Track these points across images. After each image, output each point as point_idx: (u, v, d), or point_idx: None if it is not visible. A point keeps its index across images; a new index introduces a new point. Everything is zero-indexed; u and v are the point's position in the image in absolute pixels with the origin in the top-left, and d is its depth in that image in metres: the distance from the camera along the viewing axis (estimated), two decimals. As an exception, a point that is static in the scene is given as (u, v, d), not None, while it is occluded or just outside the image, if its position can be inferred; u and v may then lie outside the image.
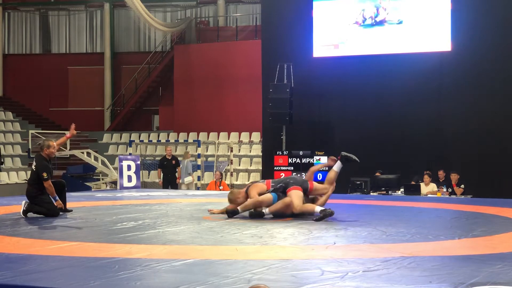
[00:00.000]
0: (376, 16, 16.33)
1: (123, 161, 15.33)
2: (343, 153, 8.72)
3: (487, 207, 10.16)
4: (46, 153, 8.95)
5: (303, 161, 15.34)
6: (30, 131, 24.53)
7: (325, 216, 8.08)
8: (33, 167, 8.89)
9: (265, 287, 3.41)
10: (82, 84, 29.54)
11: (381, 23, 16.43)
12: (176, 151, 24.32)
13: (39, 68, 29.68)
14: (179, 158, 23.28)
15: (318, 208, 8.26)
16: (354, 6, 16.74)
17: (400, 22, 16.25)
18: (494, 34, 15.56)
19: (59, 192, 9.01)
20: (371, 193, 13.97)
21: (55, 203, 8.83)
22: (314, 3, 17.03)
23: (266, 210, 8.45)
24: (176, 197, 12.81)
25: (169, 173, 17.55)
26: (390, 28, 16.37)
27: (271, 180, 8.91)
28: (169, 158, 17.68)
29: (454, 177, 14.10)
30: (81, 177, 24.08)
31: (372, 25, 16.50)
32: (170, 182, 17.51)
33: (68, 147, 24.38)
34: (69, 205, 9.38)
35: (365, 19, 16.44)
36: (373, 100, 16.42)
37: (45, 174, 8.70)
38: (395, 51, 16.27)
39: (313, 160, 15.24)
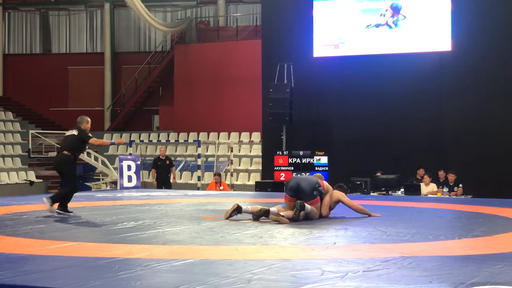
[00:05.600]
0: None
1: (123, 161, 15.34)
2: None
3: (487, 207, 10.16)
4: (85, 127, 9.70)
5: (303, 161, 15.35)
6: (30, 131, 24.54)
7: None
8: (74, 133, 9.52)
9: None
10: (82, 84, 29.55)
11: (383, 24, 16.44)
12: (176, 151, 24.34)
13: (39, 68, 29.69)
14: (178, 158, 23.32)
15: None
16: (354, 6, 16.74)
17: (398, 21, 16.26)
18: (494, 34, 15.55)
19: (69, 194, 9.31)
20: (371, 193, 13.97)
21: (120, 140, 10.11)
22: (314, 3, 17.02)
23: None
24: (176, 197, 12.81)
25: (162, 173, 17.53)
26: (390, 28, 16.36)
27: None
28: (163, 158, 17.67)
29: (441, 174, 14.30)
30: (81, 177, 24.07)
31: (376, 25, 16.50)
32: (164, 182, 17.49)
33: (68, 147, 24.34)
34: (69, 205, 9.38)
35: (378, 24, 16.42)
36: (373, 100, 16.41)
37: (90, 134, 9.55)
38: (395, 51, 16.27)
39: (313, 160, 15.24)
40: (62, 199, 9.26)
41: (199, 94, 25.61)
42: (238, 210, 8.44)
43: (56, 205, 9.16)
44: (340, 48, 16.77)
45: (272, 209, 8.29)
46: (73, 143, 9.46)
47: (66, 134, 9.72)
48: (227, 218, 8.39)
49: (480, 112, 15.60)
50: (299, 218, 8.05)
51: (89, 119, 9.86)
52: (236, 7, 28.41)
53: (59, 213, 9.08)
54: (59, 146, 9.79)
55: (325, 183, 8.61)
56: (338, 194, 8.69)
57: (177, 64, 26.69)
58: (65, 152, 9.38)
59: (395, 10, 16.28)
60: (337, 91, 16.83)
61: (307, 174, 8.75)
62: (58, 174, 9.75)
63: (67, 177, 9.47)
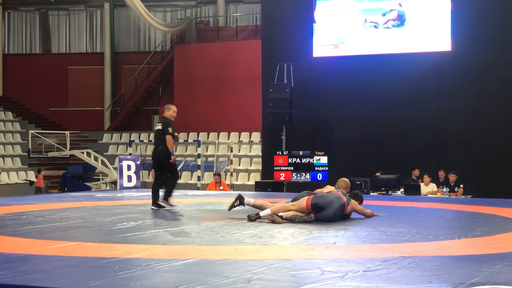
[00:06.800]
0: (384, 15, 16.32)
1: (123, 161, 15.34)
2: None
3: (487, 207, 10.16)
4: (168, 115, 10.05)
5: (303, 161, 15.35)
6: (30, 131, 24.56)
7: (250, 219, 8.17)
8: (159, 127, 9.94)
9: None
10: (82, 84, 29.56)
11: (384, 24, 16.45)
12: (176, 151, 24.32)
13: (39, 68, 29.70)
14: (178, 158, 23.29)
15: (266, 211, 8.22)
16: (354, 6, 16.74)
17: (403, 23, 16.26)
18: (494, 34, 15.56)
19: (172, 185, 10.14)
20: (371, 193, 13.96)
21: (171, 158, 9.84)
22: (314, 3, 17.03)
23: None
24: (176, 197, 12.80)
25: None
26: (390, 28, 16.36)
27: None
28: None
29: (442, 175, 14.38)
30: (81, 177, 24.08)
31: (375, 26, 16.50)
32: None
33: (68, 147, 24.40)
34: (69, 205, 9.38)
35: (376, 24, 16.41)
36: (373, 100, 16.42)
37: (170, 129, 9.84)
38: (395, 51, 16.27)
39: (313, 160, 15.25)
40: (169, 193, 10.04)
41: (199, 94, 25.61)
42: (240, 200, 8.46)
43: (171, 200, 10.05)
44: (340, 48, 16.77)
45: (264, 212, 8.23)
46: (162, 137, 9.91)
47: (155, 129, 10.17)
48: (229, 210, 8.43)
49: (480, 112, 15.61)
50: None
51: (171, 106, 10.15)
52: (236, 7, 28.42)
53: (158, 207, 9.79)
54: (154, 141, 10.40)
55: (349, 206, 8.38)
56: (353, 203, 8.58)
57: (177, 64, 26.70)
58: (160, 146, 9.93)
59: (400, 18, 16.27)
60: (337, 91, 16.83)
61: (338, 195, 8.44)
62: (157, 167, 10.30)
63: (166, 169, 10.06)
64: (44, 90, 29.54)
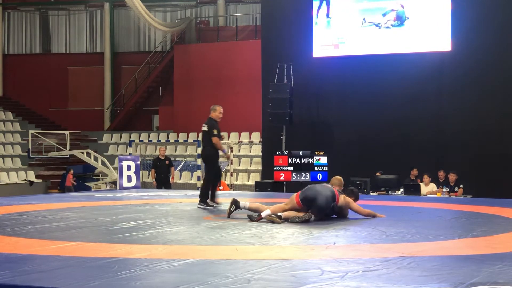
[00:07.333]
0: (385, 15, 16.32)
1: (123, 161, 15.34)
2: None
3: (487, 207, 10.15)
4: (214, 116, 10.13)
5: (303, 161, 15.35)
6: (30, 131, 24.57)
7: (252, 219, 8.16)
8: (205, 128, 10.05)
9: None
10: (82, 84, 29.57)
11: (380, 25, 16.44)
12: (176, 151, 24.34)
13: (39, 68, 29.71)
14: (178, 158, 23.31)
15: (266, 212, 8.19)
16: (354, 6, 16.74)
17: (402, 23, 16.26)
18: (494, 34, 15.56)
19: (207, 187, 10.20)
20: (371, 193, 13.96)
21: (225, 155, 10.29)
22: (314, 3, 17.03)
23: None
24: (176, 197, 12.81)
25: (162, 173, 17.50)
26: (390, 28, 16.36)
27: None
28: (163, 158, 17.63)
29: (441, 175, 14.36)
30: (81, 177, 24.09)
31: (376, 25, 16.49)
32: (164, 182, 17.48)
33: (68, 147, 24.41)
34: (69, 205, 9.38)
35: (378, 23, 16.41)
36: (373, 100, 16.42)
37: (214, 131, 9.97)
38: (395, 51, 16.27)
39: (312, 160, 15.25)
40: (208, 194, 10.17)
41: (199, 94, 25.61)
42: (235, 204, 8.45)
43: (218, 199, 10.25)
44: (340, 48, 16.76)
45: (265, 213, 8.21)
46: (208, 138, 10.06)
47: (202, 129, 10.22)
48: (228, 217, 8.42)
49: (480, 112, 15.61)
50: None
51: (217, 108, 10.19)
52: (236, 7, 28.43)
53: (204, 207, 9.96)
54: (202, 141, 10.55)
55: (341, 197, 8.36)
56: (347, 199, 8.55)
57: (177, 64, 26.71)
58: (208, 147, 10.11)
59: (399, 18, 16.25)
60: (337, 91, 16.83)
61: (325, 185, 8.47)
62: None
63: (209, 169, 10.28)
64: (44, 90, 29.55)
